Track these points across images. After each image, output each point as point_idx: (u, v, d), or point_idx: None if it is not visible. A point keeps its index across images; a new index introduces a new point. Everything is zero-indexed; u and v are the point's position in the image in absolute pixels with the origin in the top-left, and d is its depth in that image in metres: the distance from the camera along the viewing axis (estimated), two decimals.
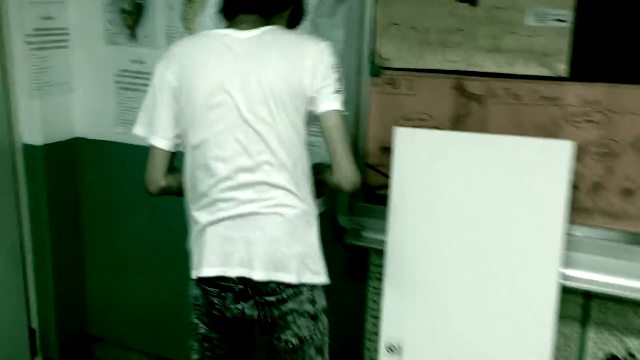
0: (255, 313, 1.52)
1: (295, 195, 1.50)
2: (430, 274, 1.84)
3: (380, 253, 2.00)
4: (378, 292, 2.08)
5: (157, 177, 1.58)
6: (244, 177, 1.48)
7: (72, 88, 2.53)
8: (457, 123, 1.90)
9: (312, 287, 1.53)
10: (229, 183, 1.49)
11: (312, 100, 1.49)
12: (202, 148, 1.50)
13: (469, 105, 1.87)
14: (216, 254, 1.51)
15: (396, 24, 1.90)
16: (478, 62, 1.82)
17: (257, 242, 1.48)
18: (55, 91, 2.46)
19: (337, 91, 1.50)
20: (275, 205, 1.49)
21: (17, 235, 2.53)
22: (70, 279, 2.68)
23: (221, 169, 1.49)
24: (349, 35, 1.98)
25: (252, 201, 1.49)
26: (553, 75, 1.76)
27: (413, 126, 1.95)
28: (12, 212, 2.50)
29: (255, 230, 1.49)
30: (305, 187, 1.54)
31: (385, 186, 2.02)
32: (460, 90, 1.87)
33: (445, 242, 1.82)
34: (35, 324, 2.65)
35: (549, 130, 1.78)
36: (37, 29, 2.35)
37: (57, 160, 2.52)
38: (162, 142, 1.57)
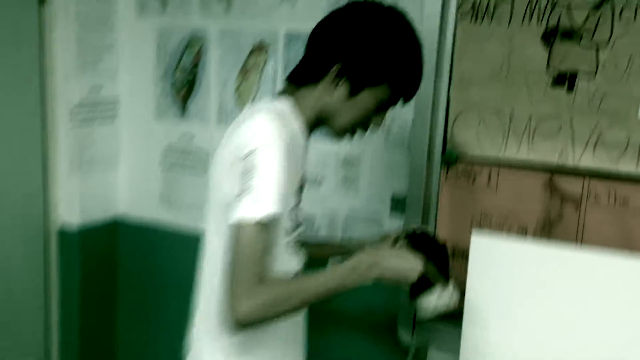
0: None
1: (202, 327, 1.30)
2: None
3: None
4: None
5: None
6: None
7: (117, 164, 2.36)
8: (548, 228, 1.56)
9: None
10: None
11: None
12: None
13: (562, 208, 1.54)
14: None
15: (475, 107, 1.61)
16: (575, 156, 1.50)
17: None
18: (99, 167, 2.29)
19: (243, 193, 1.11)
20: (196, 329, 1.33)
21: (42, 330, 2.33)
22: None
23: None
24: (419, 117, 1.71)
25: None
26: None
27: (493, 229, 1.63)
28: (40, 303, 2.30)
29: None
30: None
31: None
32: (553, 189, 1.54)
33: None
34: None
35: None
36: (83, 101, 2.20)
37: (95, 243, 2.32)
38: None
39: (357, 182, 1.93)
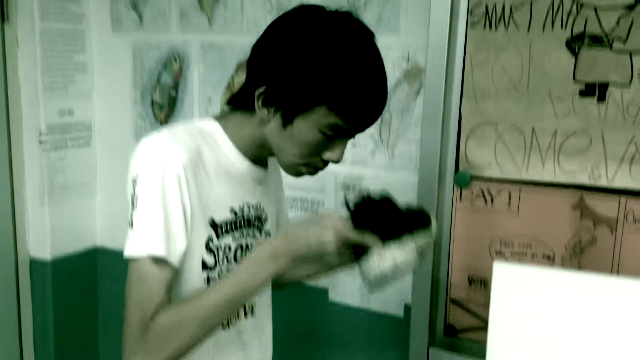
0: None
1: None
2: None
3: None
4: None
5: None
6: None
7: (94, 191, 2.17)
8: (578, 254, 1.42)
9: None
10: None
11: None
12: None
13: (595, 231, 1.39)
14: None
15: (491, 123, 1.47)
16: (609, 175, 1.36)
17: None
18: (73, 196, 2.10)
19: (128, 226, 1.00)
20: None
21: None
22: None
23: None
24: (427, 133, 1.56)
25: None
26: None
27: (515, 255, 1.48)
28: (13, 345, 2.10)
29: None
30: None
31: (474, 328, 1.56)
32: (584, 210, 1.40)
33: None
34: None
35: None
36: (52, 126, 2.01)
37: (71, 276, 2.13)
38: None
39: None
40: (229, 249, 1.11)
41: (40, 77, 1.97)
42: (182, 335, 0.97)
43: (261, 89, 1.01)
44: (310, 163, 1.07)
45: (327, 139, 1.02)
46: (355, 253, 1.04)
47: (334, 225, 0.99)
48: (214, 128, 1.10)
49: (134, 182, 0.99)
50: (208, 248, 1.08)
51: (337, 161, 1.06)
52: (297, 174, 1.09)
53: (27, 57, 1.98)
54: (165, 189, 0.98)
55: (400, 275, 1.05)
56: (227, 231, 1.11)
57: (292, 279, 1.33)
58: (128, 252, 0.99)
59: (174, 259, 1.00)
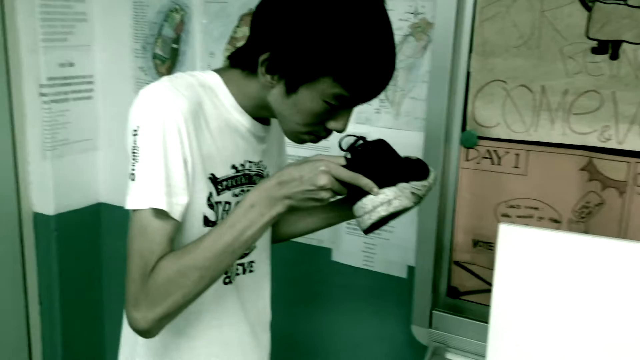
0: None
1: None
2: None
3: None
4: None
5: None
6: None
7: (96, 146, 2.14)
8: (586, 217, 1.38)
9: None
10: None
11: None
12: None
13: (603, 194, 1.35)
14: None
15: (500, 81, 1.42)
16: (619, 136, 1.31)
17: None
18: (75, 150, 2.08)
19: (129, 178, 0.97)
20: None
21: (24, 325, 2.15)
22: None
23: None
24: (434, 91, 1.51)
25: None
26: None
27: (521, 217, 1.45)
28: (18, 301, 2.12)
29: None
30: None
31: (478, 291, 1.54)
32: (592, 173, 1.36)
33: None
34: None
35: None
36: (53, 78, 1.97)
37: (75, 231, 2.12)
38: None
39: None
40: (229, 205, 1.10)
41: (40, 27, 1.93)
42: (184, 285, 0.96)
43: (265, 56, 0.98)
44: (314, 132, 1.05)
45: (332, 109, 1.00)
46: (351, 196, 1.02)
47: (327, 165, 0.97)
48: (216, 81, 1.07)
49: (135, 133, 0.96)
50: (209, 203, 1.06)
51: (341, 131, 1.04)
52: (300, 141, 1.07)
53: (26, 5, 1.93)
54: (166, 141, 0.96)
55: (395, 217, 1.03)
56: (227, 187, 1.09)
57: (292, 233, 1.33)
58: (130, 205, 0.97)
59: (176, 212, 0.98)
